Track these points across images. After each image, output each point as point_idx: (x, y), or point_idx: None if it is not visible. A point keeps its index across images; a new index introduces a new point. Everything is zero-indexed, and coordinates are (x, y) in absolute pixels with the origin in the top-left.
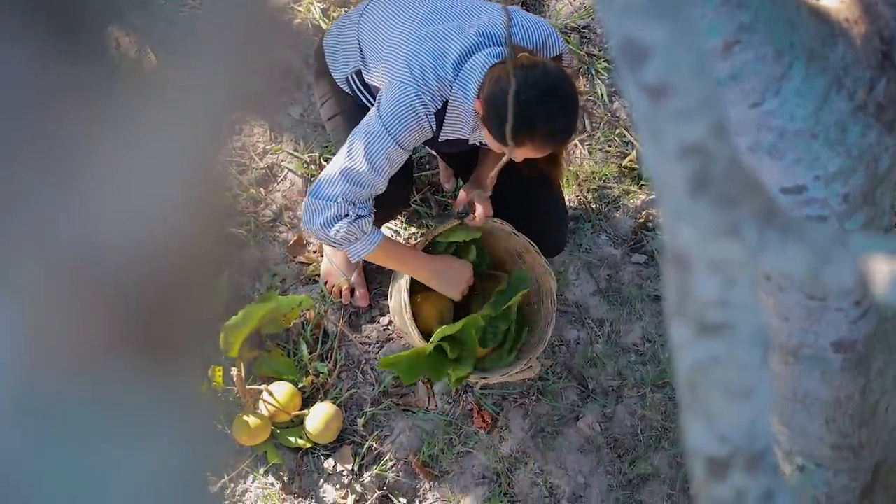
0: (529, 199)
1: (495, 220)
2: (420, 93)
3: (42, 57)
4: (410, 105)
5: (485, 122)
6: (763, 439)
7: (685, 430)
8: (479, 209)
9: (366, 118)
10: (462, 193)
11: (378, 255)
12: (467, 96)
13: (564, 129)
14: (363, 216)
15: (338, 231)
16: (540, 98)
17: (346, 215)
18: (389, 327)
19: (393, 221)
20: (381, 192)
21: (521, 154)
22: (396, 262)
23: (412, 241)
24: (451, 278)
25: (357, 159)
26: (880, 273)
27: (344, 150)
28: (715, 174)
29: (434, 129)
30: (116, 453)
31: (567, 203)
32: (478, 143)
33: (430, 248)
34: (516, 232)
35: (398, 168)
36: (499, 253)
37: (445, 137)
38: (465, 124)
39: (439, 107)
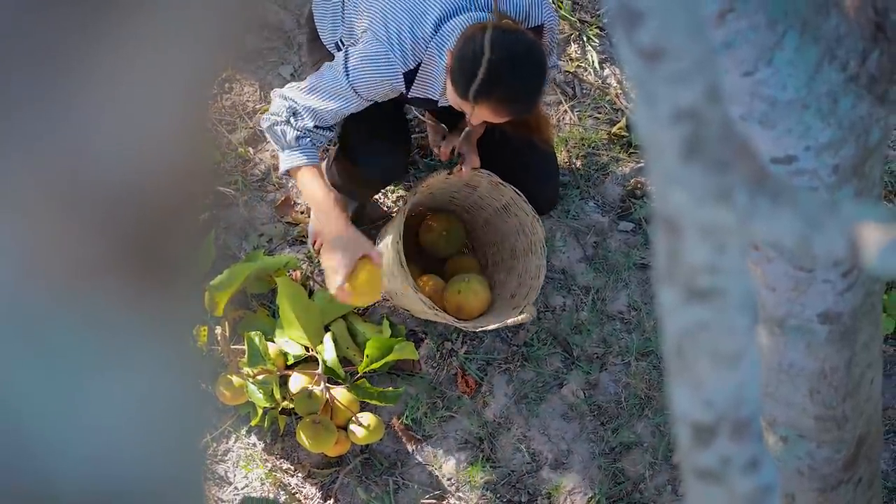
0: (519, 156)
1: (482, 171)
2: (390, 54)
3: None
4: (377, 69)
5: (450, 75)
6: (749, 406)
7: (671, 395)
8: (466, 162)
9: (339, 54)
10: (443, 147)
11: (299, 179)
12: (442, 56)
13: (523, 100)
14: (296, 127)
15: (271, 126)
16: (506, 62)
17: (284, 119)
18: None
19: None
20: (328, 123)
21: (478, 114)
22: (310, 200)
23: (399, 203)
24: (334, 256)
25: (314, 85)
26: (870, 241)
27: (314, 72)
28: (707, 138)
29: (402, 89)
30: (105, 376)
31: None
32: (445, 106)
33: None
34: (503, 182)
35: (353, 108)
36: (486, 212)
37: (415, 95)
38: (437, 85)
39: (411, 67)
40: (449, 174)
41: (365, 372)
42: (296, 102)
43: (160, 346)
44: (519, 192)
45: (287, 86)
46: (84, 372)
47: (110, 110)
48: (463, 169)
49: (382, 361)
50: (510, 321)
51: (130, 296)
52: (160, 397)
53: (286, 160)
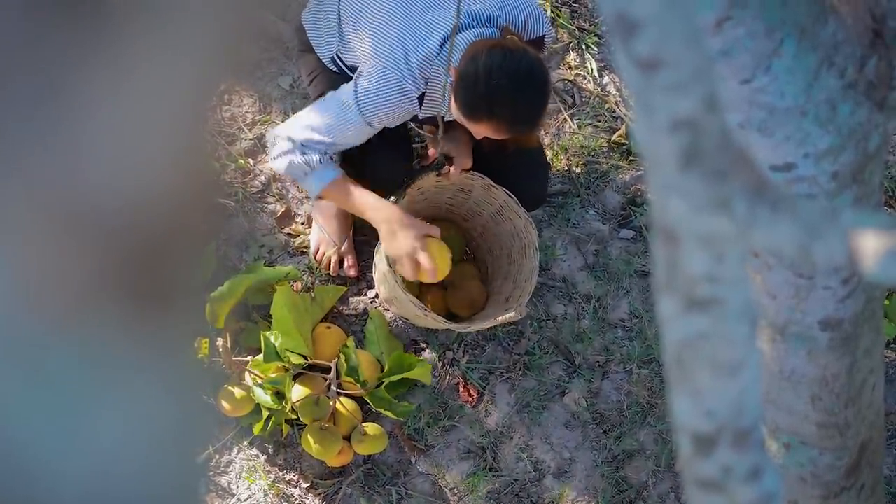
0: (504, 153)
1: (473, 173)
2: (401, 80)
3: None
4: (392, 98)
5: (453, 92)
6: (750, 416)
7: (672, 405)
8: (456, 163)
9: (346, 87)
10: (431, 150)
11: (335, 194)
12: (447, 73)
13: (524, 121)
14: (323, 160)
15: (289, 165)
16: (508, 85)
17: (295, 153)
18: (376, 300)
19: None
20: (335, 155)
21: (479, 131)
22: (355, 204)
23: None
24: (398, 241)
25: (323, 123)
26: (869, 248)
27: (316, 106)
28: (706, 148)
29: (417, 111)
30: (103, 400)
31: (555, 177)
32: (450, 121)
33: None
34: (494, 184)
35: (366, 138)
36: (483, 218)
37: (426, 115)
38: (445, 102)
39: (423, 89)
40: (438, 175)
41: (378, 382)
42: (305, 141)
43: (158, 368)
44: (510, 193)
45: (286, 124)
46: (82, 396)
47: (106, 132)
48: (451, 170)
49: (400, 376)
50: (500, 319)
51: (128, 319)
52: (158, 419)
53: (317, 180)
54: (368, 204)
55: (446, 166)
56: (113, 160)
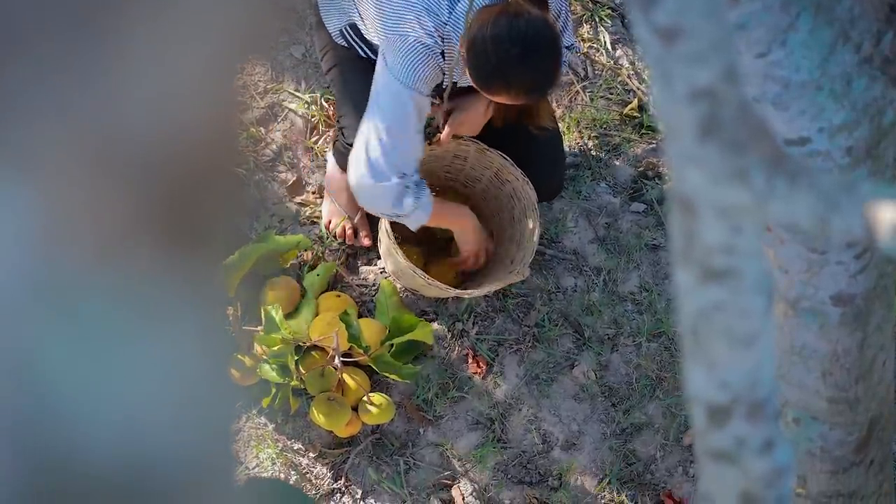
0: (521, 147)
1: (466, 139)
2: (420, 37)
3: None
4: (417, 52)
5: (465, 63)
6: (765, 388)
7: (686, 376)
8: (449, 123)
9: (378, 79)
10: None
11: (432, 218)
12: (458, 39)
13: (540, 86)
14: (420, 185)
15: (407, 207)
16: (519, 54)
17: (407, 188)
18: (386, 271)
19: None
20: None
21: (498, 100)
22: (447, 219)
23: None
24: (476, 236)
25: (389, 125)
26: (887, 221)
27: (372, 117)
28: (724, 118)
29: (444, 65)
30: (136, 342)
31: (567, 150)
32: (464, 86)
33: None
34: (487, 148)
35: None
36: (482, 183)
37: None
38: (458, 67)
39: (443, 47)
40: (430, 143)
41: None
42: (395, 163)
43: (192, 313)
44: (505, 156)
45: (361, 152)
46: (115, 339)
47: (145, 72)
48: (442, 136)
49: (403, 338)
50: (502, 282)
51: (162, 260)
52: (192, 365)
53: (425, 210)
54: (459, 213)
55: (437, 135)
56: (149, 99)
